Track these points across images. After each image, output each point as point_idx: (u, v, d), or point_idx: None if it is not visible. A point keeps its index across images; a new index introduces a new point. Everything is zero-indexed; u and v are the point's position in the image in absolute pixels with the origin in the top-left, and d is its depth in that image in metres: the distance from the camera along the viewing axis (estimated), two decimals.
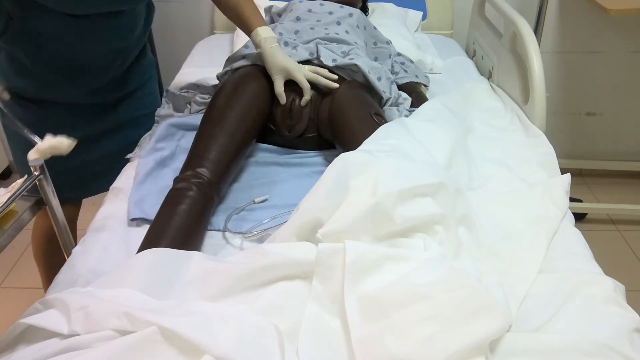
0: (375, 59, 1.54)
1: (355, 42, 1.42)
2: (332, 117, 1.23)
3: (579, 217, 2.20)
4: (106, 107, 1.34)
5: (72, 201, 1.42)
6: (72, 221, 1.47)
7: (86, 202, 1.47)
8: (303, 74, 1.25)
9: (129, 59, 1.33)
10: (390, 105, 1.35)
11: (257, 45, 1.28)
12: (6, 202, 0.93)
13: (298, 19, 1.50)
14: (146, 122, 1.41)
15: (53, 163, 1.22)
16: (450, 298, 0.74)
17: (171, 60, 2.20)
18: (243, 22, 1.30)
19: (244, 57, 1.36)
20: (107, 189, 1.22)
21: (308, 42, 1.39)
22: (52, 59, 1.20)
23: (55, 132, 1.27)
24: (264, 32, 1.26)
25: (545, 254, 0.97)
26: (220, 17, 2.10)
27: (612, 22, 2.17)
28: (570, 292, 0.87)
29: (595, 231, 2.19)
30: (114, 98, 1.35)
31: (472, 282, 0.76)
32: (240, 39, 1.82)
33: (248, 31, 1.29)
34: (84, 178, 1.37)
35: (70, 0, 1.11)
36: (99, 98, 1.31)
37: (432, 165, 1.02)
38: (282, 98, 1.24)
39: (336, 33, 1.42)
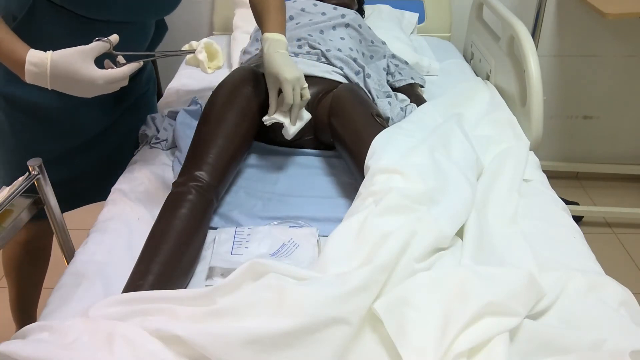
0: (371, 57, 1.55)
1: (355, 59, 1.41)
2: (333, 120, 1.22)
3: (576, 220, 2.19)
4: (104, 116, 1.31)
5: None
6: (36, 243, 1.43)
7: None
8: (296, 91, 1.13)
9: None
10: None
11: (262, 50, 1.19)
12: (4, 201, 0.93)
13: (291, 17, 1.51)
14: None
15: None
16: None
17: (170, 60, 2.19)
18: (261, 25, 1.22)
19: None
20: (92, 202, 1.20)
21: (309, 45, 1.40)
22: None
23: (54, 140, 1.23)
24: (270, 37, 1.17)
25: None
26: (219, 18, 2.10)
27: (610, 26, 2.18)
28: (576, 292, 0.88)
29: (592, 234, 2.19)
30: (109, 109, 1.31)
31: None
32: (237, 41, 1.82)
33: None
34: (71, 191, 1.30)
35: (93, 4, 1.08)
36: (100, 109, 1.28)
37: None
38: (270, 113, 1.16)
39: (330, 40, 1.43)
